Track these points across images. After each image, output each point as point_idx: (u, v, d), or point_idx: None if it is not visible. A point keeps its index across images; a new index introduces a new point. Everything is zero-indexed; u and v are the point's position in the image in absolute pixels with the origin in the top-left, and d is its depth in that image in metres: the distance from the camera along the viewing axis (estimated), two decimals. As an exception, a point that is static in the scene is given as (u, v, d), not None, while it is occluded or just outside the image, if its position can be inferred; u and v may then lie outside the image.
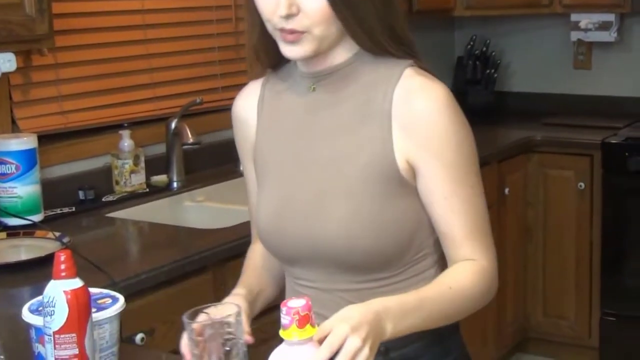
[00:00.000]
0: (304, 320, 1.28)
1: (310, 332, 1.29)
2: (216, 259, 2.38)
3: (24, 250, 2.34)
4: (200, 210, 3.03)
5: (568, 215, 3.89)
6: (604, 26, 4.18)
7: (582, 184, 3.85)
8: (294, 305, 1.29)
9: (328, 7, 1.46)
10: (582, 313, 3.92)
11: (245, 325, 1.48)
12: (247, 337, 1.45)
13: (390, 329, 1.36)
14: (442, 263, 1.58)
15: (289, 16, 1.46)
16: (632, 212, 3.77)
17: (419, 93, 1.50)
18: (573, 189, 3.86)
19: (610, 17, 4.16)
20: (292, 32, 1.48)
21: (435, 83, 1.52)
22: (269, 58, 1.62)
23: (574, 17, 4.23)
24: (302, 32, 1.48)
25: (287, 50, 1.51)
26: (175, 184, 3.08)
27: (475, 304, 1.52)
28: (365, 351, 1.29)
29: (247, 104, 1.68)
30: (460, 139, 1.51)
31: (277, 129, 1.63)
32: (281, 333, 1.29)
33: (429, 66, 1.58)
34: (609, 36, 4.20)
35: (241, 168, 1.79)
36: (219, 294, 2.35)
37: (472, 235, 1.53)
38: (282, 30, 1.49)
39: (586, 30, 4.21)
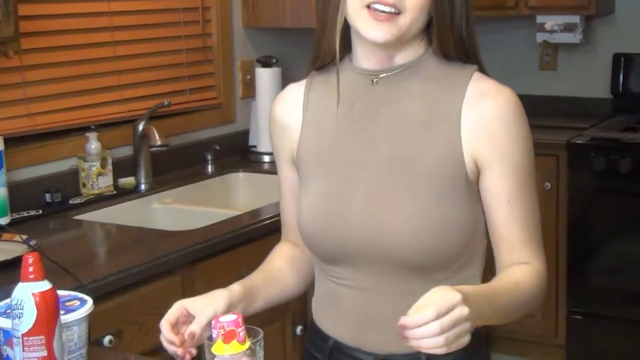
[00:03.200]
0: (229, 336, 1.31)
1: (237, 348, 1.30)
2: (184, 261, 2.38)
3: None
4: (168, 212, 3.02)
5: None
6: (569, 28, 4.22)
7: (548, 184, 3.88)
8: (222, 320, 1.33)
9: None
10: (549, 312, 3.95)
11: (200, 325, 1.49)
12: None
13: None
14: (483, 275, 1.61)
15: None
16: (597, 212, 3.80)
17: (491, 95, 1.52)
18: (539, 189, 3.85)
19: (575, 19, 4.20)
20: (388, 9, 1.47)
21: (505, 87, 1.54)
22: (331, 55, 1.59)
23: (539, 19, 4.27)
24: (396, 14, 1.48)
25: (372, 31, 1.49)
26: (142, 186, 3.06)
27: (533, 305, 1.54)
28: (468, 325, 1.32)
29: (289, 108, 1.67)
30: (528, 143, 1.54)
31: (325, 129, 1.61)
32: (212, 347, 1.32)
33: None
34: (574, 38, 4.24)
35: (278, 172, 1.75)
36: (187, 296, 2.34)
37: (529, 239, 1.55)
38: (374, 9, 1.48)
39: (552, 32, 4.25)
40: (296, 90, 1.68)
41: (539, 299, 1.55)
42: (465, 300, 1.33)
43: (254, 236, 2.57)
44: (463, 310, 1.31)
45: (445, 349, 1.30)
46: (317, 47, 1.62)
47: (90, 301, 1.61)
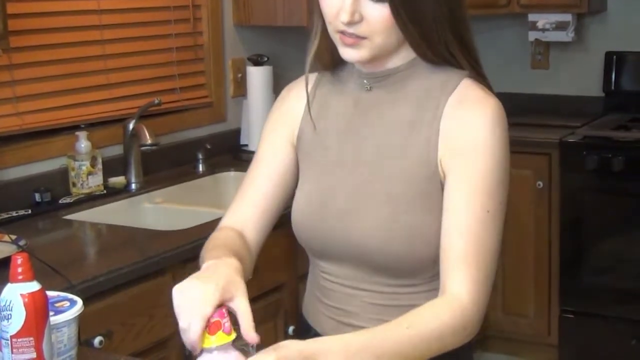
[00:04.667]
0: (214, 327, 1.28)
1: (223, 338, 1.28)
2: (175, 261, 2.36)
3: None
4: (158, 211, 3.01)
5: (527, 213, 3.91)
6: (561, 26, 4.21)
7: (541, 183, 3.87)
8: None
9: (391, 18, 1.46)
10: (541, 311, 3.94)
11: (248, 319, 1.33)
12: (253, 336, 1.32)
13: None
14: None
15: (350, 23, 1.46)
16: (590, 211, 3.79)
17: (471, 104, 1.50)
18: (532, 188, 3.89)
19: (568, 17, 4.19)
20: (352, 36, 1.48)
21: (490, 98, 1.51)
22: (332, 59, 1.61)
23: (531, 17, 4.26)
24: (363, 38, 1.49)
25: (345, 52, 1.52)
26: (133, 186, 3.05)
27: (443, 344, 1.40)
28: None
29: (302, 94, 1.66)
30: (496, 160, 1.47)
31: (325, 124, 1.62)
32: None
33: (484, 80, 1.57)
34: (566, 36, 4.23)
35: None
36: None
37: (468, 262, 1.43)
38: (342, 33, 1.49)
39: (544, 30, 4.24)
40: (310, 79, 1.67)
41: (456, 336, 1.42)
42: (322, 356, 1.26)
43: None
44: None
45: None
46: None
47: (80, 302, 1.59)
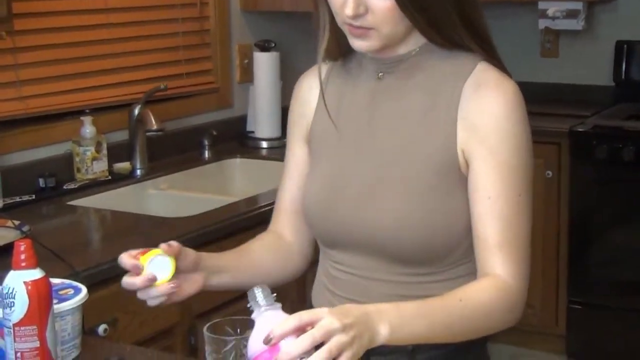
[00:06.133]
0: (144, 252, 1.46)
1: (154, 252, 1.44)
2: None
3: None
4: (163, 198, 2.98)
5: (536, 203, 3.86)
6: (571, 14, 4.16)
7: (550, 172, 3.83)
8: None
9: (396, 7, 1.43)
10: (549, 301, 3.91)
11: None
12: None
13: (386, 333, 1.29)
14: None
15: (355, 16, 1.44)
16: (599, 201, 3.76)
17: (489, 87, 1.48)
18: (541, 177, 3.84)
19: (578, 5, 4.14)
20: (359, 28, 1.46)
21: (507, 80, 1.50)
22: (339, 48, 1.59)
23: (541, 5, 4.21)
24: (370, 29, 1.47)
25: (354, 43, 1.51)
26: (138, 172, 3.02)
27: (491, 323, 1.43)
28: (351, 352, 1.23)
29: (313, 84, 1.65)
30: (519, 141, 1.47)
31: (338, 113, 1.60)
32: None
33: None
34: (577, 24, 4.19)
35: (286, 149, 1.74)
36: None
37: (507, 245, 1.45)
38: (350, 24, 1.47)
39: (554, 18, 4.19)
40: (322, 70, 1.64)
41: (504, 316, 1.44)
42: (377, 318, 1.27)
43: (252, 223, 2.51)
44: (342, 339, 1.21)
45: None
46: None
47: (84, 290, 1.57)
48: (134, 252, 1.47)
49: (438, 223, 1.47)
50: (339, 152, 1.58)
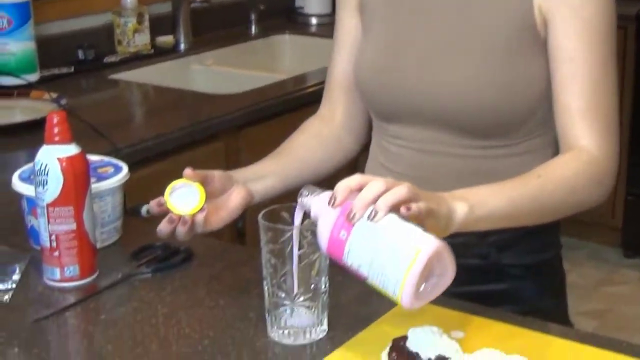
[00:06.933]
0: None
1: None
2: (228, 126, 2.26)
3: (18, 112, 2.21)
4: (208, 74, 2.89)
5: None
6: None
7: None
8: None
9: None
10: (606, 193, 3.78)
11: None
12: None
13: (464, 212, 1.16)
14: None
15: None
16: (665, 88, 3.59)
17: None
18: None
19: None
20: None
21: None
22: None
23: None
24: None
25: None
26: (182, 46, 2.93)
27: (576, 197, 1.31)
28: (425, 205, 1.09)
29: None
30: (605, 4, 1.35)
31: None
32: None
33: None
34: None
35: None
36: (230, 165, 2.22)
37: (591, 112, 1.33)
38: None
39: None
40: None
41: (590, 190, 1.32)
42: (449, 197, 1.16)
43: (300, 103, 2.42)
44: (380, 184, 1.07)
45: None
46: None
47: (125, 168, 1.45)
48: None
49: (511, 87, 1.35)
50: (395, 14, 1.44)
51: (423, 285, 1.04)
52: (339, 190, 1.08)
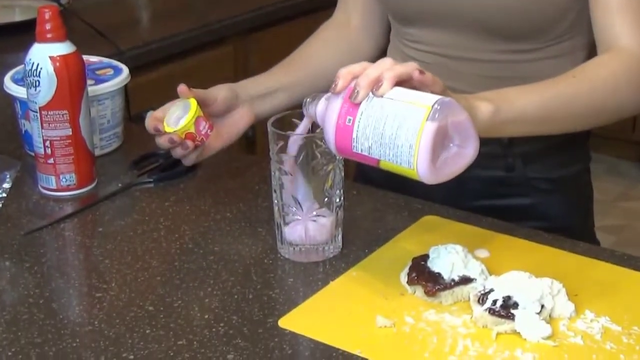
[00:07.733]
0: None
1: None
2: (237, 30, 2.20)
3: (18, 11, 2.16)
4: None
5: None
6: None
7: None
8: None
9: None
10: (627, 106, 3.71)
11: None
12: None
13: (489, 111, 1.06)
14: (595, 51, 1.30)
15: None
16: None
17: None
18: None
19: None
20: None
21: None
22: None
23: None
24: None
25: None
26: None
27: (616, 100, 1.20)
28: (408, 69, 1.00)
29: None
30: None
31: None
32: None
33: None
34: None
35: None
36: (239, 69, 2.16)
37: (634, 8, 1.21)
38: None
39: None
40: None
41: (632, 90, 1.21)
42: (471, 97, 1.07)
43: (315, 6, 2.33)
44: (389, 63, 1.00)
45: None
46: None
47: (125, 70, 1.36)
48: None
49: None
50: None
51: (443, 156, 0.94)
52: (341, 74, 0.99)
